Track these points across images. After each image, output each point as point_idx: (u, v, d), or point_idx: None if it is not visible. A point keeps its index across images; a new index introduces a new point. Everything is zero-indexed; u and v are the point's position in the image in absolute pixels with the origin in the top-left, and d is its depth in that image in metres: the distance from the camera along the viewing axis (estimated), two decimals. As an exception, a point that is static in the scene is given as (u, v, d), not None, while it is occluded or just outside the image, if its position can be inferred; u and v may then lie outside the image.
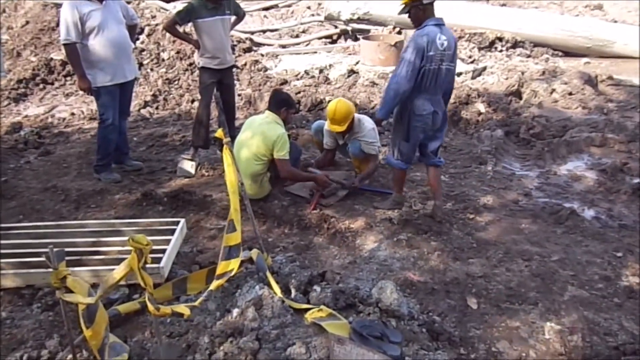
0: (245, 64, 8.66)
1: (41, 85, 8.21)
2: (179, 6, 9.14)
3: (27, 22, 9.91)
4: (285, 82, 7.97)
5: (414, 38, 3.68)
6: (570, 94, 7.01)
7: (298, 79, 8.17)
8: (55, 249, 2.16)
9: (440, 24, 3.72)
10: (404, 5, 3.76)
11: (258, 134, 4.29)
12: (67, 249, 2.57)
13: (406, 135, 3.91)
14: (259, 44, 10.08)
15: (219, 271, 2.94)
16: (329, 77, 8.14)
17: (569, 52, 9.38)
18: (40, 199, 4.62)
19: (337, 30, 10.51)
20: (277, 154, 4.26)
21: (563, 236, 3.95)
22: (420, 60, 3.63)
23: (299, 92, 7.30)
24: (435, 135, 4.02)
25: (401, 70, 3.68)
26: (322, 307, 2.93)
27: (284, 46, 10.06)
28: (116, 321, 2.90)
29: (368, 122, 4.74)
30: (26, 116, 7.06)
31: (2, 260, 3.28)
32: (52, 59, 8.64)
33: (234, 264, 2.96)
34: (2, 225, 3.87)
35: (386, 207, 4.27)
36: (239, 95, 7.21)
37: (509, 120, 6.24)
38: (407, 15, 3.79)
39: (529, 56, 9.10)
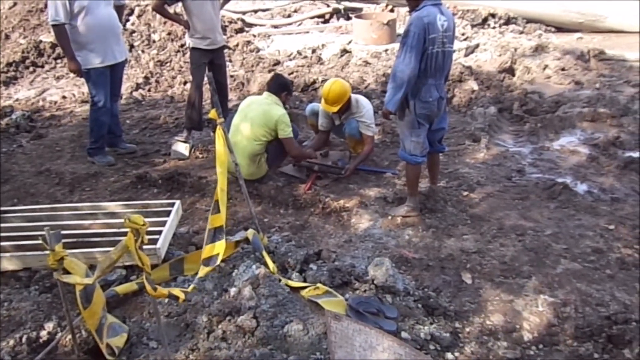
0: (237, 45, 8.59)
1: (31, 68, 8.12)
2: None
3: (15, 4, 9.76)
4: (277, 62, 7.91)
5: (413, 21, 3.41)
6: (562, 69, 7.01)
7: (291, 60, 8.11)
8: (51, 231, 2.16)
9: (438, 4, 3.48)
10: None
11: (259, 114, 4.30)
12: (63, 232, 2.57)
13: (415, 123, 3.66)
14: (251, 25, 9.99)
15: (204, 255, 2.92)
16: (322, 57, 8.09)
17: (561, 28, 9.34)
18: (34, 182, 4.61)
19: (329, 9, 10.41)
20: (283, 134, 4.29)
21: (556, 211, 3.99)
22: (422, 44, 3.39)
23: (292, 73, 7.26)
24: (440, 122, 3.83)
25: (404, 56, 3.42)
26: (318, 285, 2.97)
27: (276, 26, 9.97)
28: (114, 302, 2.93)
29: (366, 103, 4.72)
30: (17, 100, 7.00)
31: (-1, 244, 3.29)
32: (41, 41, 8.53)
33: (219, 248, 2.94)
34: (-2, 209, 3.87)
35: (401, 213, 3.91)
36: (232, 76, 7.16)
37: (502, 97, 6.24)
38: None
39: (521, 32, 9.05)
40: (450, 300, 3.05)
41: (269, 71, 7.41)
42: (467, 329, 2.83)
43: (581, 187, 4.33)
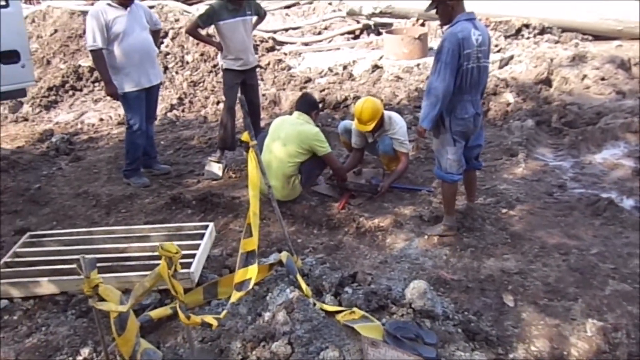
0: (268, 64, 8.66)
1: (70, 92, 8.38)
2: (201, 9, 9.20)
3: (56, 31, 10.11)
4: (309, 80, 7.93)
5: (447, 37, 3.36)
6: (602, 79, 6.79)
7: (322, 77, 8.12)
8: (86, 257, 2.16)
9: (472, 19, 3.41)
10: (431, 2, 3.53)
11: (294, 135, 4.29)
12: (98, 256, 2.58)
13: (451, 140, 3.58)
14: (282, 43, 10.07)
15: (237, 279, 2.87)
16: (353, 74, 8.07)
17: (599, 36, 9.07)
18: (73, 204, 4.70)
19: (360, 26, 10.41)
20: (322, 151, 4.30)
21: (601, 228, 3.81)
22: (457, 60, 3.33)
23: (323, 90, 7.25)
24: (476, 138, 3.76)
25: (438, 73, 3.37)
26: (354, 309, 2.89)
27: (306, 44, 10.02)
28: (149, 327, 2.91)
29: (399, 119, 4.65)
30: (57, 123, 7.22)
31: (37, 268, 3.33)
32: (80, 65, 8.80)
33: (251, 272, 2.90)
34: (37, 232, 3.94)
35: (438, 232, 3.82)
36: (263, 95, 7.21)
37: (540, 110, 6.07)
38: (434, 11, 3.56)
39: (557, 42, 8.82)
40: (491, 325, 2.92)
41: (300, 89, 7.43)
42: (511, 356, 2.70)
43: (627, 203, 4.14)
